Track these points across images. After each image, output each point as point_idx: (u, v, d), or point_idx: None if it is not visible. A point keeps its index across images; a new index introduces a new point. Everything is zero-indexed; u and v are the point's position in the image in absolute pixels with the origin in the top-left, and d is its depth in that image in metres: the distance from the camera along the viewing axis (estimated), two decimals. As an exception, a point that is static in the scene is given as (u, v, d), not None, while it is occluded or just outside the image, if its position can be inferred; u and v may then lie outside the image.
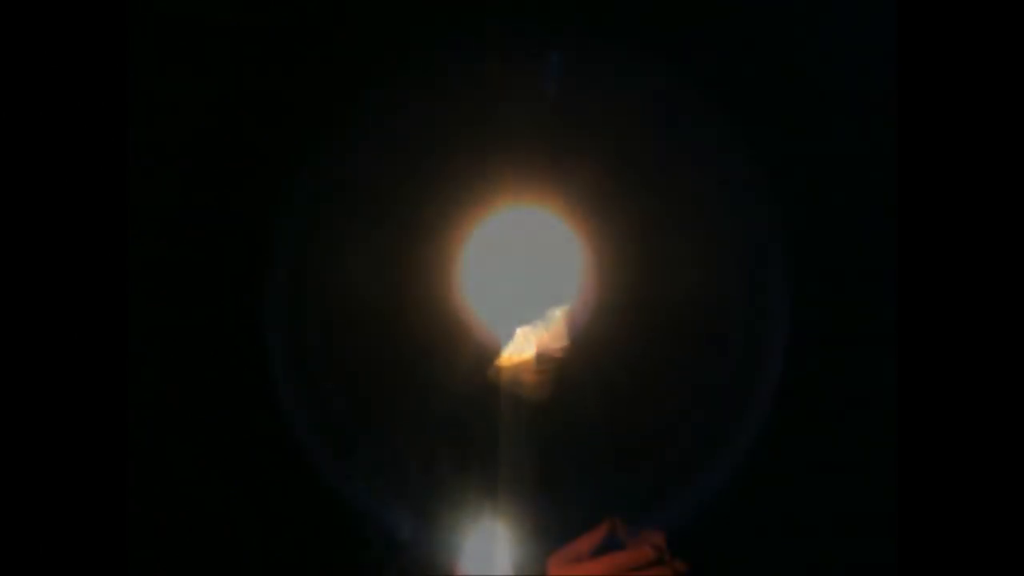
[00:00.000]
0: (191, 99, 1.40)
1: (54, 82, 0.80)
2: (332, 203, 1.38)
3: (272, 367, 1.34)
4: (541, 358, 0.93)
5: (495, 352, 0.94)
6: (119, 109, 0.83)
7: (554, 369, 1.00)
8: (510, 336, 0.92)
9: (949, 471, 0.81)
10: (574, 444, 1.09)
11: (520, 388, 0.99)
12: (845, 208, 1.58)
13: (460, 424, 1.07)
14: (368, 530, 1.01)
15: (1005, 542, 0.78)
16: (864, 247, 1.50)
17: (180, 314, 1.40)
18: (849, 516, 1.49)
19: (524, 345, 0.92)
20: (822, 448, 1.56)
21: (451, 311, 1.06)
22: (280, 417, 1.30)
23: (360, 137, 1.39)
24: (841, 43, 1.58)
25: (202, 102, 1.40)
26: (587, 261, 1.10)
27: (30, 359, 0.78)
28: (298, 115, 1.43)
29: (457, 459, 1.05)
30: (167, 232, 1.38)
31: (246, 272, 1.41)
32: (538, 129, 1.18)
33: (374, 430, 1.06)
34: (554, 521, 0.99)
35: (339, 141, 1.40)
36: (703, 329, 1.61)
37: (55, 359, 0.79)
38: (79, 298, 0.80)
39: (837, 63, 1.58)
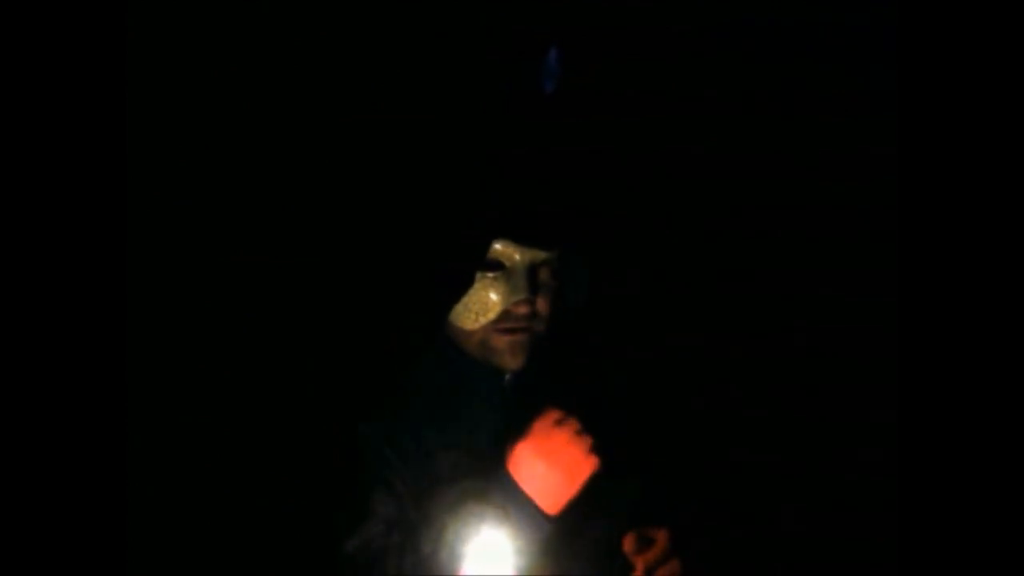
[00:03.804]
0: (191, 99, 1.40)
1: (54, 82, 0.80)
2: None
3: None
4: None
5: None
6: (118, 109, 0.83)
7: None
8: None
9: (949, 471, 0.81)
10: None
11: None
12: (845, 208, 1.59)
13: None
14: (362, 515, 1.01)
15: (1005, 542, 0.78)
16: (864, 247, 1.50)
17: (180, 314, 1.40)
18: (849, 515, 1.50)
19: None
20: (822, 447, 1.57)
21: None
22: (277, 412, 1.31)
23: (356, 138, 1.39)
24: (841, 43, 1.58)
25: (202, 102, 1.41)
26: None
27: (30, 359, 0.78)
28: (297, 115, 1.43)
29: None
30: (167, 232, 1.38)
31: (245, 272, 1.41)
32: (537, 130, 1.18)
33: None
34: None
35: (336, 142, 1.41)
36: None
37: (55, 358, 0.79)
38: (78, 297, 0.80)
39: (837, 63, 1.58)
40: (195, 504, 1.36)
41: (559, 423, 0.96)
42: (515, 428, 1.02)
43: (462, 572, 0.93)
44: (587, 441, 0.96)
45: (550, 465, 0.95)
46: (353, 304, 1.24)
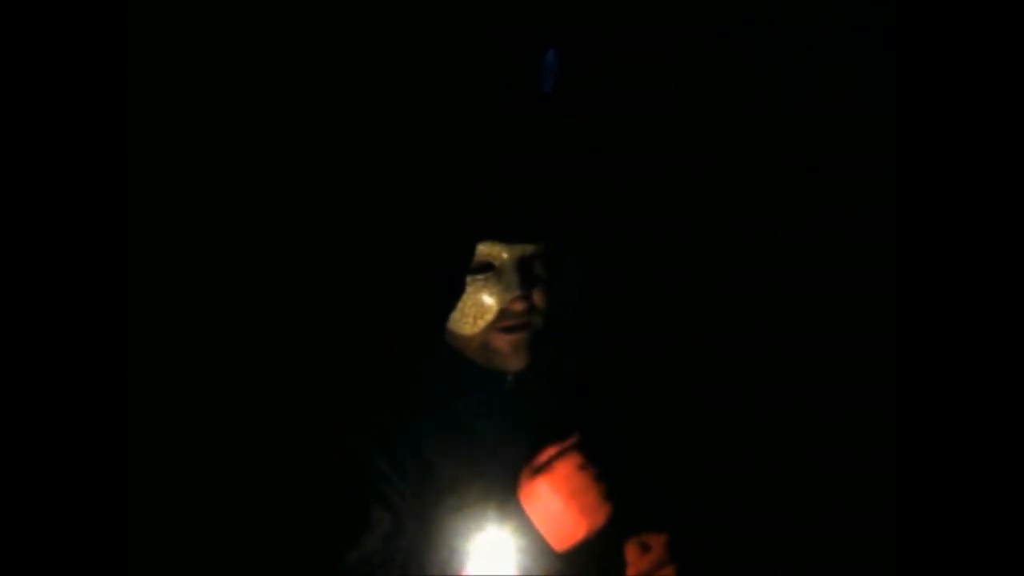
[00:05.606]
0: (191, 99, 1.40)
1: (54, 81, 0.80)
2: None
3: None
4: None
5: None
6: (118, 109, 0.83)
7: None
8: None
9: (949, 471, 0.81)
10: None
11: None
12: (845, 207, 1.59)
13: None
14: (363, 520, 1.01)
15: (1005, 542, 0.78)
16: (864, 247, 1.50)
17: (180, 314, 1.40)
18: (849, 515, 1.50)
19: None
20: (822, 447, 1.56)
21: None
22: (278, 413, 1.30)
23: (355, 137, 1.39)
24: (841, 43, 1.58)
25: (202, 101, 1.40)
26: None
27: (30, 359, 0.78)
28: (297, 115, 1.43)
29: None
30: (167, 232, 1.38)
31: (245, 272, 1.41)
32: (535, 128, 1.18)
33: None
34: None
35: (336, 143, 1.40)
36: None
37: (55, 358, 0.79)
38: (79, 297, 0.80)
39: (837, 63, 1.58)
40: (195, 504, 1.36)
41: (581, 468, 0.97)
42: (518, 440, 1.02)
43: (465, 572, 0.94)
44: (604, 487, 0.97)
45: (566, 506, 0.95)
46: (353, 304, 1.24)
